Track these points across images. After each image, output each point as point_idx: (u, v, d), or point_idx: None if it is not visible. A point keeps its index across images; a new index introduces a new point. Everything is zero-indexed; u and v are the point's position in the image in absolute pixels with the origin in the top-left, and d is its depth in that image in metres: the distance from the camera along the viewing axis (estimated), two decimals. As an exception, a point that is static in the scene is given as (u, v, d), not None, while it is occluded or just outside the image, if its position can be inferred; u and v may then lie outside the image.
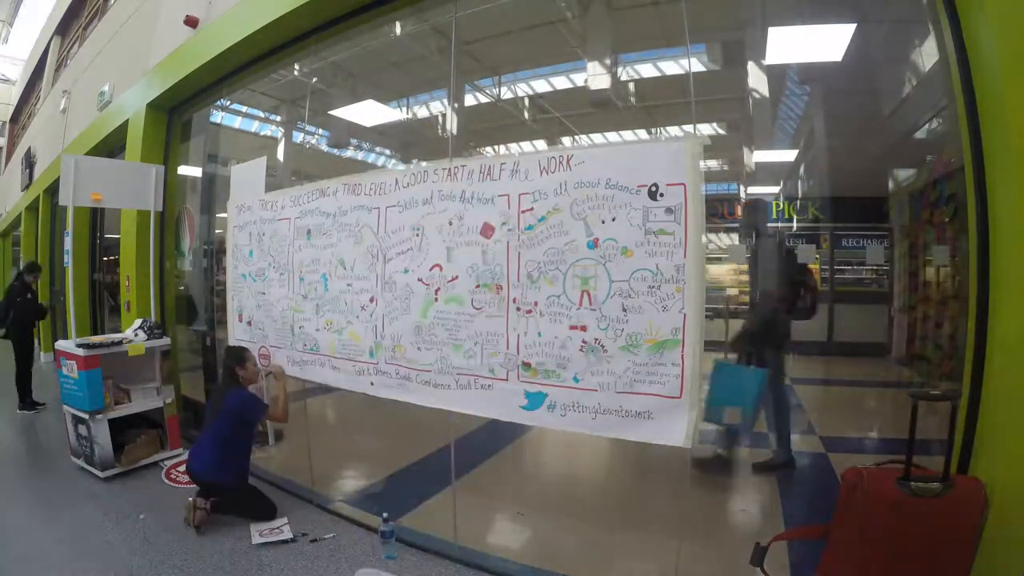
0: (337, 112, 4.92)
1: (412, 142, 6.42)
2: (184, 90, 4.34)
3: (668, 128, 6.17)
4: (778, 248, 3.64)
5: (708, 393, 2.88)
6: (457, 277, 2.29)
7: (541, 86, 5.54)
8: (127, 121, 4.84)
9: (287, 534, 2.65)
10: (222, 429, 2.82)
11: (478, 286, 2.23)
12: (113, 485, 3.35)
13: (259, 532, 2.67)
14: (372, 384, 2.65)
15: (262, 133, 5.56)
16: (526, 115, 5.84)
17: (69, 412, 3.56)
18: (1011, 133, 1.55)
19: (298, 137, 5.19)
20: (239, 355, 3.02)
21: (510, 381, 2.16)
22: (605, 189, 1.92)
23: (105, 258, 6.79)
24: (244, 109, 5.09)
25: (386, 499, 3.13)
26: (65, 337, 3.99)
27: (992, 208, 1.66)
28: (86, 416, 3.39)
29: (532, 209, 2.09)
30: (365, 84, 4.81)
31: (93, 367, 3.41)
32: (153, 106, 4.56)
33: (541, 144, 6.63)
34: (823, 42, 3.31)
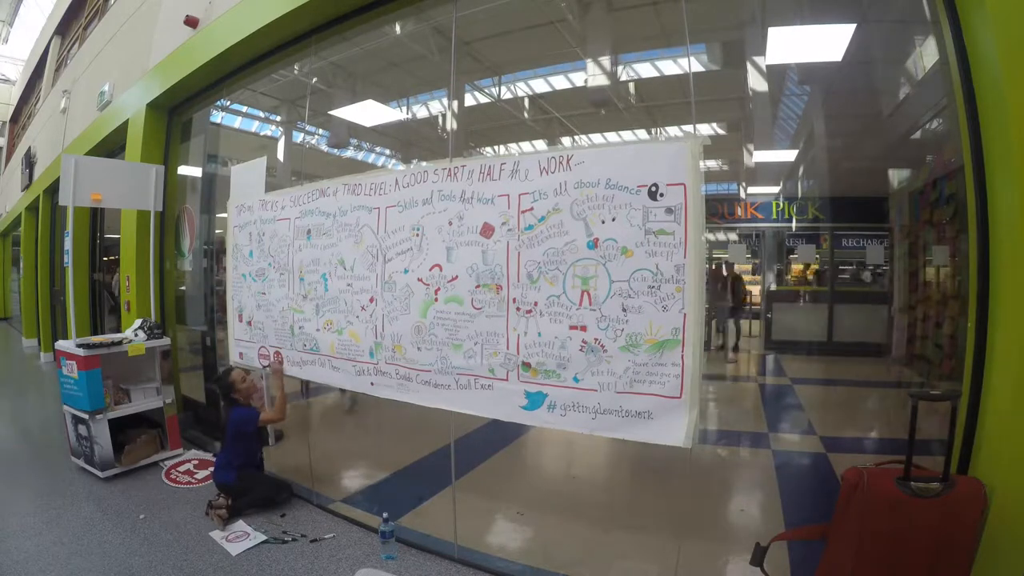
0: (337, 112, 4.92)
1: (412, 142, 6.42)
2: (184, 90, 4.34)
3: (668, 128, 6.17)
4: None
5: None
6: (457, 277, 2.29)
7: (541, 86, 5.54)
8: (127, 121, 4.84)
9: (256, 537, 2.66)
10: (226, 442, 3.10)
11: (478, 286, 2.23)
12: (113, 485, 3.35)
13: (225, 538, 2.68)
14: (372, 384, 2.65)
15: (262, 133, 5.56)
16: (526, 115, 5.84)
17: (69, 412, 3.56)
18: (1011, 133, 1.54)
19: (298, 137, 5.19)
20: (225, 382, 3.18)
21: (510, 381, 2.16)
22: (605, 189, 1.92)
23: (105, 258, 6.79)
24: (244, 109, 5.08)
25: (386, 499, 3.13)
26: (65, 337, 3.99)
27: (992, 208, 1.66)
28: (86, 416, 3.39)
29: (532, 209, 2.09)
30: (365, 84, 4.81)
31: (93, 367, 3.41)
32: (153, 106, 4.55)
33: (541, 144, 6.63)
34: (823, 42, 3.31)
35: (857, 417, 4.65)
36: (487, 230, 2.20)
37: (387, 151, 6.71)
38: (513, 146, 6.53)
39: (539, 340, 2.08)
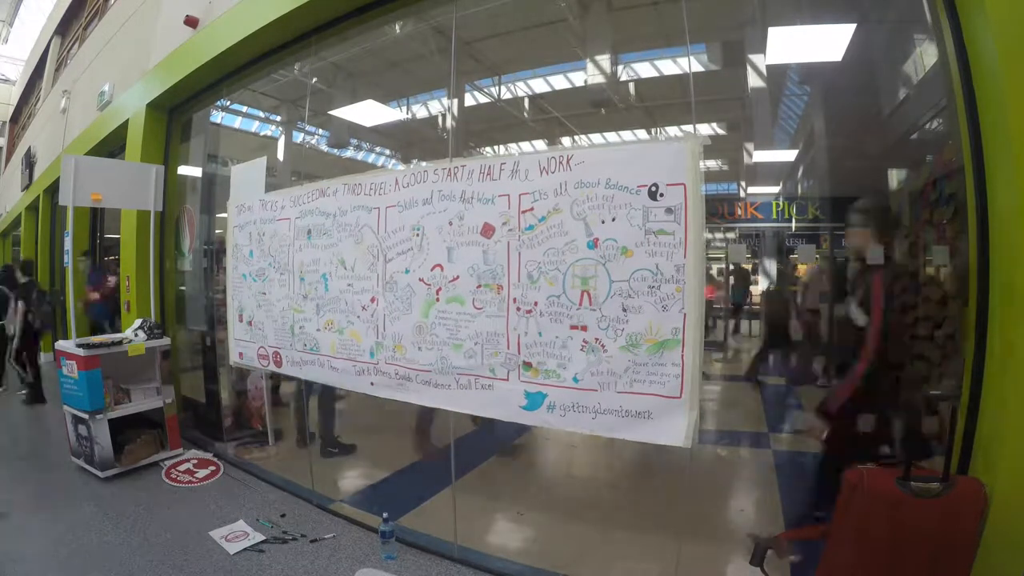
0: (337, 112, 4.92)
1: (412, 142, 6.42)
2: (184, 90, 4.34)
3: (668, 128, 6.18)
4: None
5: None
6: (458, 277, 2.29)
7: (541, 86, 5.54)
8: (127, 121, 4.84)
9: (255, 537, 2.66)
10: None
11: (479, 286, 2.23)
12: (113, 485, 3.35)
13: (224, 537, 2.66)
14: (372, 384, 2.65)
15: (262, 133, 5.56)
16: (526, 115, 5.84)
17: (69, 412, 3.56)
18: (1011, 133, 1.54)
19: (298, 137, 5.20)
20: None
21: (510, 381, 2.16)
22: (605, 189, 1.92)
23: (105, 258, 6.79)
24: (244, 109, 5.09)
25: (386, 499, 3.14)
26: (65, 337, 3.99)
27: (992, 208, 1.66)
28: (86, 416, 3.39)
29: (532, 209, 2.09)
30: (365, 84, 4.81)
31: (93, 367, 3.41)
32: (153, 106, 4.55)
33: (541, 144, 6.63)
34: (823, 42, 3.31)
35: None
36: (488, 230, 2.20)
37: (387, 151, 6.71)
38: (513, 146, 6.53)
39: (540, 340, 2.08)
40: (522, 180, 2.12)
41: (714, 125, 6.31)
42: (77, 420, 3.50)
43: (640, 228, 1.85)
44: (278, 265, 3.13)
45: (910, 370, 1.98)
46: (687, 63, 3.95)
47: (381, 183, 2.61)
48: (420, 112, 5.72)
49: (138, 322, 3.87)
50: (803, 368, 4.46)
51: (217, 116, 4.80)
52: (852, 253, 2.25)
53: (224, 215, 3.65)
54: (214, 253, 4.60)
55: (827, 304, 3.95)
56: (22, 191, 9.74)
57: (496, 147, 6.33)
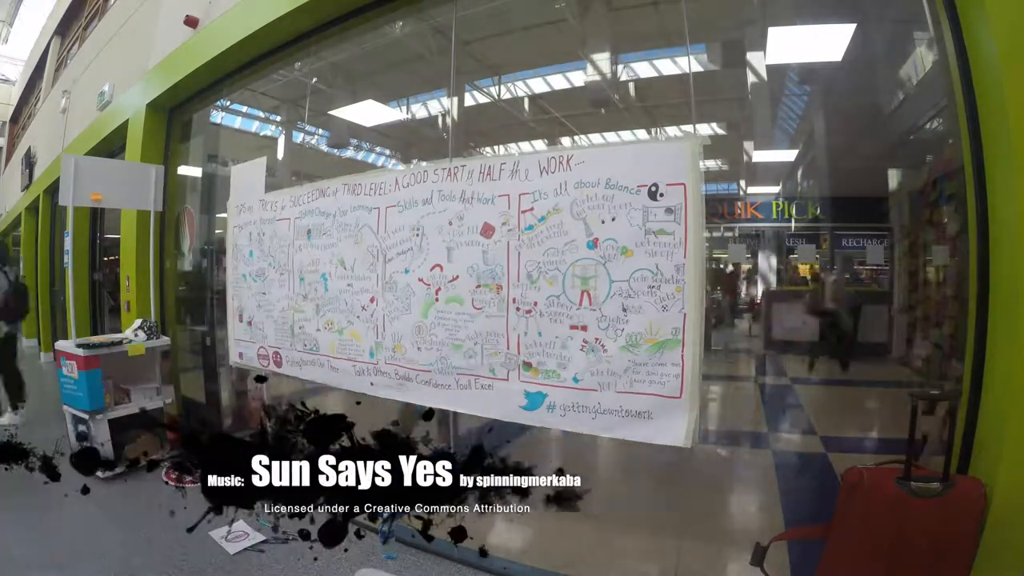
0: (337, 112, 4.92)
1: (412, 142, 6.41)
2: (184, 90, 4.34)
3: (668, 128, 6.17)
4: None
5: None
6: (458, 277, 2.29)
7: (541, 86, 5.53)
8: (127, 121, 4.84)
9: (255, 537, 2.64)
10: None
11: (479, 286, 2.23)
12: (113, 485, 3.34)
13: (224, 537, 2.64)
14: (372, 384, 2.65)
15: (262, 133, 5.55)
16: (526, 115, 5.84)
17: (69, 412, 3.56)
18: (1011, 133, 1.54)
19: (298, 137, 5.19)
20: None
21: (510, 381, 2.16)
22: (605, 189, 1.92)
23: (105, 258, 6.79)
24: (244, 109, 5.09)
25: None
26: (65, 337, 3.99)
27: (992, 208, 1.66)
28: (86, 416, 3.39)
29: (532, 209, 2.09)
30: (365, 84, 4.81)
31: (93, 367, 3.41)
32: (153, 106, 4.55)
33: (541, 144, 6.63)
34: (823, 42, 3.31)
35: (857, 417, 4.64)
36: (487, 230, 2.20)
37: (387, 151, 6.71)
38: (513, 146, 6.52)
39: (539, 340, 2.08)
40: (522, 180, 2.12)
41: (714, 125, 6.30)
42: (77, 420, 3.50)
43: (640, 228, 1.85)
44: (278, 265, 3.13)
45: None
46: (687, 63, 3.96)
47: (381, 183, 2.61)
48: (420, 112, 5.72)
49: (138, 322, 3.87)
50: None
51: (217, 116, 4.80)
52: None
53: (224, 215, 3.65)
54: (214, 253, 4.60)
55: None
56: (22, 191, 9.74)
57: (496, 147, 6.33)
